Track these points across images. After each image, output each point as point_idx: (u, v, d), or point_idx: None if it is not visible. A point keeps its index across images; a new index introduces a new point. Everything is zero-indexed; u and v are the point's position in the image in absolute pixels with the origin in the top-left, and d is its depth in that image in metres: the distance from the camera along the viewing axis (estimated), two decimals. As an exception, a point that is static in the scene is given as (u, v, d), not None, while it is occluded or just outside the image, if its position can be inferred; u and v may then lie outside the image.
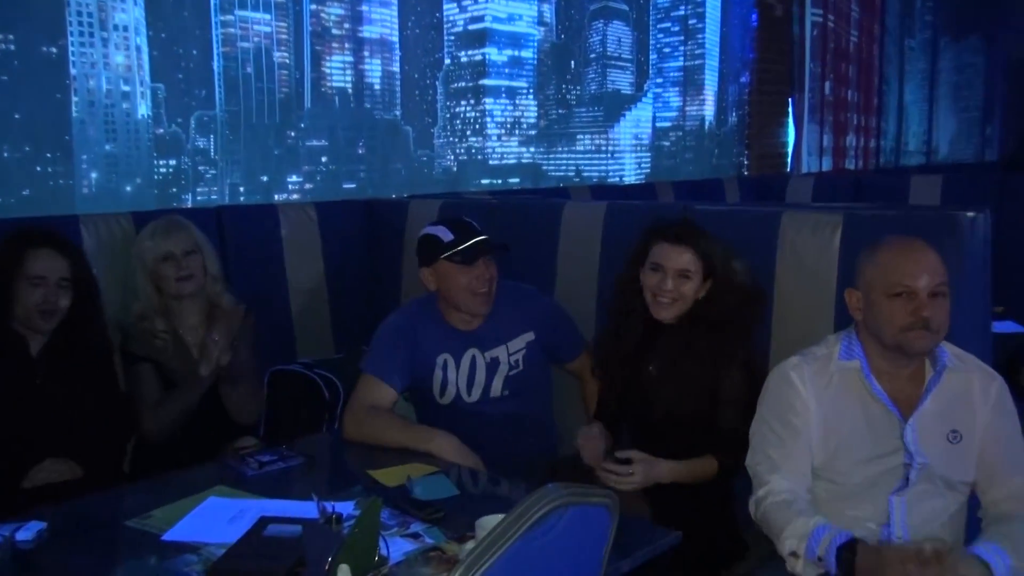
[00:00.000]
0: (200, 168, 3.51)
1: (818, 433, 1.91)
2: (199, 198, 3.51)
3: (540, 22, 5.04)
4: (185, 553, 1.65)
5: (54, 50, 3.08)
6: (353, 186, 4.02)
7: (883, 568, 1.67)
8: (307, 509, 1.77)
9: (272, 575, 1.51)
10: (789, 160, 7.38)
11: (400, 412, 2.53)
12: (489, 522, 1.52)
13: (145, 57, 3.26)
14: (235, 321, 2.70)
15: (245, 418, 2.69)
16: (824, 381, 1.92)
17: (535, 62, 5.00)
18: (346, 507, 1.80)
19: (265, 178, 3.72)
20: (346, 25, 3.96)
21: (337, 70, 3.93)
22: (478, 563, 1.15)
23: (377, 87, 4.12)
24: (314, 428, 2.88)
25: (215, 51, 3.49)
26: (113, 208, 3.09)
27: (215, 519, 1.80)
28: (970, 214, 2.12)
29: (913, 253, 1.86)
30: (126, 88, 3.23)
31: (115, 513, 1.85)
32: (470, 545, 1.58)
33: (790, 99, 7.29)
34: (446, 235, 2.43)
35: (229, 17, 3.53)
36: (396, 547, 1.64)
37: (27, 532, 1.69)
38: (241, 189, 3.62)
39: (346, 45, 3.97)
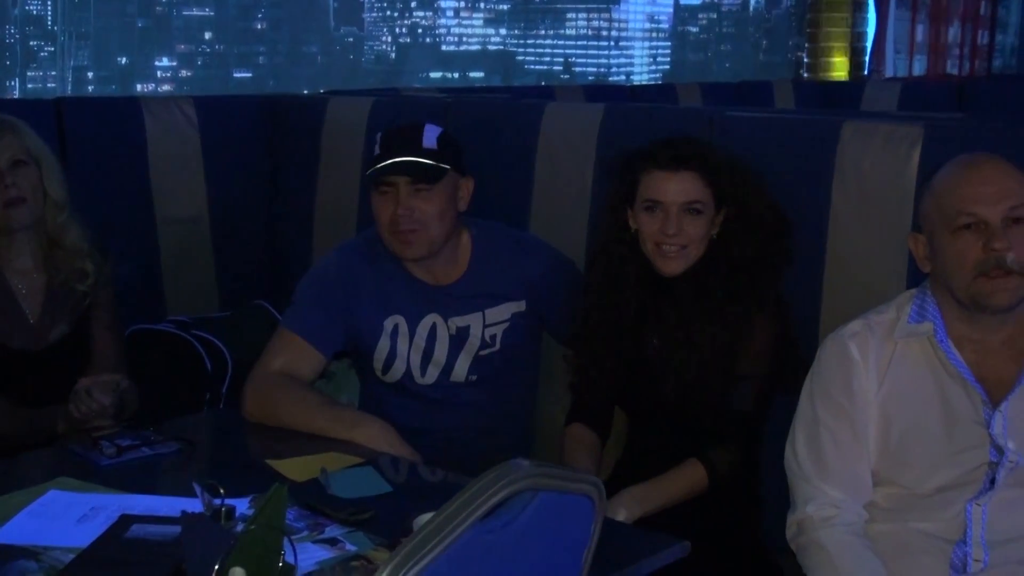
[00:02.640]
0: (32, 43, 3.56)
1: (876, 424, 2.04)
2: (30, 86, 3.56)
3: None
4: (20, 559, 1.74)
5: None
6: (248, 75, 4.09)
7: None
8: (185, 507, 1.86)
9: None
10: (867, 59, 7.50)
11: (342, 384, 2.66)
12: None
13: None
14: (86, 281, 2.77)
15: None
16: (887, 354, 2.05)
17: (511, -94, 5.08)
18: (239, 505, 1.90)
19: (124, 60, 3.76)
20: None
21: (228, -91, 3.99)
22: (411, 560, 1.26)
23: (285, -65, 4.17)
24: (190, 408, 2.99)
25: None
26: (-92, 97, 3.14)
27: (59, 517, 1.90)
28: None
29: (977, 170, 1.97)
30: (-74, -75, 3.28)
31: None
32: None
33: (871, -28, 7.43)
34: (376, 147, 2.52)
35: None
36: (307, 555, 1.75)
37: None
38: (90, 75, 3.68)
39: None
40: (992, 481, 1.98)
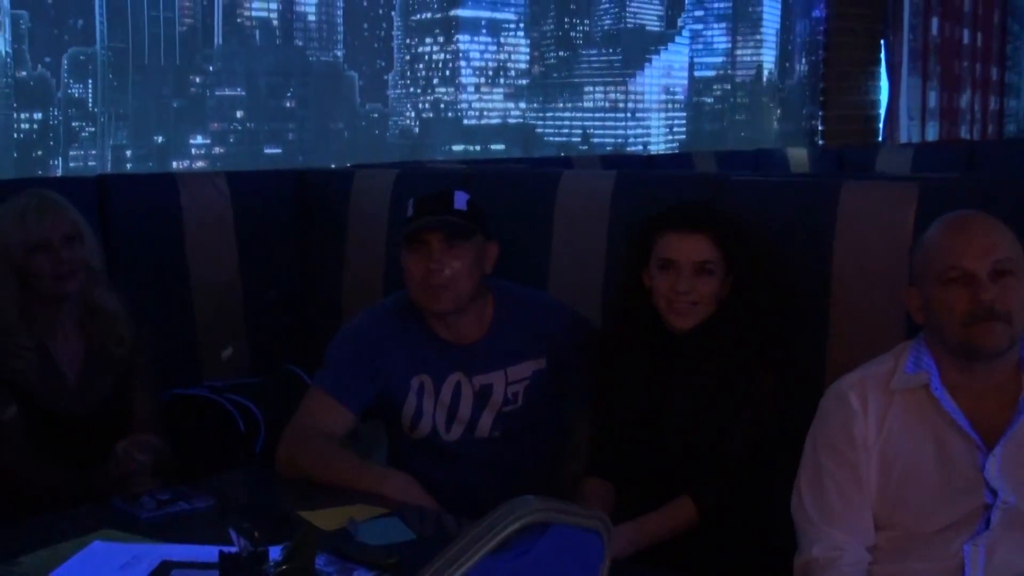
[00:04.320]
0: (74, 124, 3.71)
1: (877, 469, 2.12)
2: (72, 164, 3.70)
3: (536, -68, 5.31)
4: (67, 603, 1.86)
5: None
6: (278, 151, 4.24)
7: None
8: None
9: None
10: (881, 126, 7.61)
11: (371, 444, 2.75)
12: (452, 560, 1.72)
13: (2, -25, 3.50)
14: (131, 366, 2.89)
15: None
16: (885, 403, 2.14)
17: (528, -14, 5.26)
18: (272, 552, 2.00)
19: (160, 139, 3.92)
20: (271, -65, 4.23)
21: (259, -5, 4.17)
22: (435, 585, 1.35)
23: (312, 18, 4.34)
24: (224, 468, 3.08)
25: (95, -32, 3.73)
26: (-42, 175, 3.28)
27: (102, 566, 1.99)
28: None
29: (965, 227, 2.09)
30: (-24, 16, 3.46)
31: (-28, 559, 2.05)
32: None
33: (882, 41, 7.53)
34: (410, 208, 2.65)
35: (113, -76, 3.78)
36: (336, 596, 1.85)
37: None
38: (128, 153, 3.82)
39: (271, -40, 4.23)
40: (987, 522, 2.05)
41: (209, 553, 2.01)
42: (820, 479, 2.15)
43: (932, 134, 7.93)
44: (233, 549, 1.92)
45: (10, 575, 1.98)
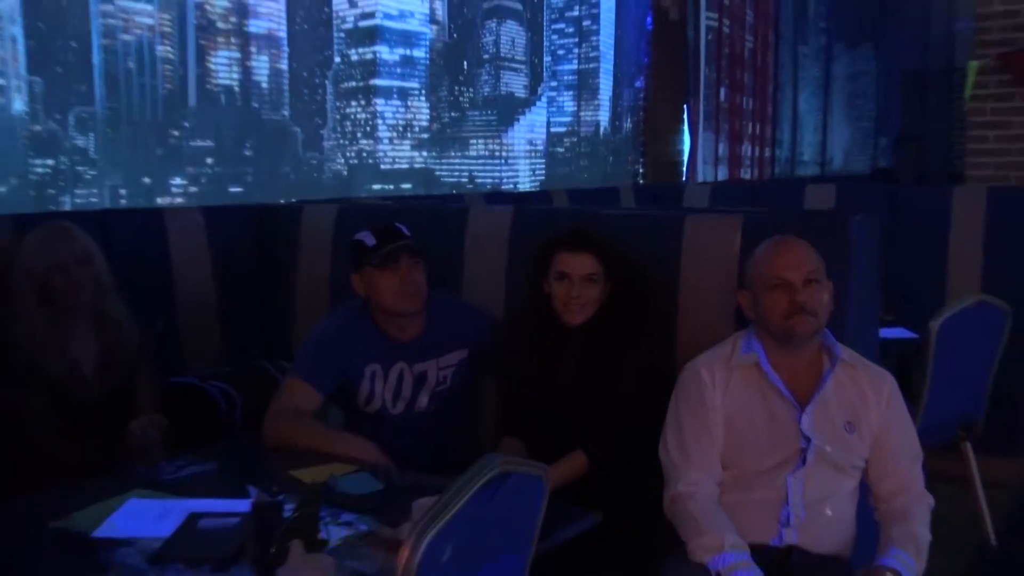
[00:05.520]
0: (79, 168, 3.64)
1: (722, 425, 2.26)
2: (78, 200, 3.62)
3: (432, 20, 5.36)
4: (121, 547, 1.85)
5: (-82, 40, 3.21)
6: (239, 190, 4.20)
7: None
8: (237, 506, 1.98)
9: (222, 554, 1.74)
10: (685, 169, 7.88)
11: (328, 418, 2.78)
12: (427, 503, 1.78)
13: (21, 48, 3.40)
14: (131, 352, 2.85)
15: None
16: (727, 377, 2.28)
17: (427, 62, 5.31)
18: (277, 502, 2.02)
19: (147, 180, 3.87)
20: (232, 19, 4.19)
21: (223, 66, 4.12)
22: (435, 521, 1.42)
23: (264, 85, 4.33)
24: (210, 441, 3.05)
25: (95, 43, 3.65)
26: (-15, 211, 3.19)
27: (142, 517, 1.99)
28: (859, 217, 2.52)
29: (784, 248, 2.26)
30: (0, 81, 3.35)
31: (32, 518, 2.02)
32: (407, 527, 1.83)
33: (685, 105, 7.81)
34: (370, 240, 2.69)
35: (109, 7, 3.70)
36: (331, 534, 1.88)
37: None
38: (122, 191, 3.77)
39: (232, 40, 4.19)
40: (804, 461, 2.21)
41: (227, 505, 2.03)
42: (681, 431, 2.28)
43: (722, 175, 8.24)
44: (243, 504, 1.94)
45: (70, 527, 1.96)
